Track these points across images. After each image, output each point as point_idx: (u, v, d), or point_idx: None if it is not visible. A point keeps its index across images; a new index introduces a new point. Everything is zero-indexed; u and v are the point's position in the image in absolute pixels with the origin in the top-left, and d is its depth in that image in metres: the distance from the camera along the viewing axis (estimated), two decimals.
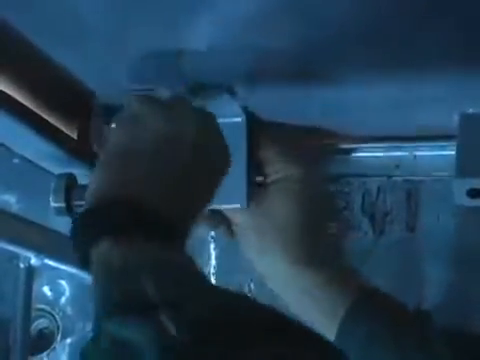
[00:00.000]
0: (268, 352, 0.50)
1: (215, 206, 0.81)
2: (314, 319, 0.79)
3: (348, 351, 0.74)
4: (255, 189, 0.82)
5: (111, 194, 0.63)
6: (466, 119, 0.94)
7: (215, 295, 0.57)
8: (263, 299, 0.57)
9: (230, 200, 0.84)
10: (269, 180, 0.82)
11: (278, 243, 0.80)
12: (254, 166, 0.84)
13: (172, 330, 0.51)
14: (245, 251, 0.83)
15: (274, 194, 0.81)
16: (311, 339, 0.55)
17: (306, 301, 0.79)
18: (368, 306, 0.78)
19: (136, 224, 0.61)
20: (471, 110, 0.94)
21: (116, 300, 0.55)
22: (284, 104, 0.93)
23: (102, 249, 0.59)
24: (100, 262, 0.59)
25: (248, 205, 0.83)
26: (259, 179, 0.83)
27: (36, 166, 0.98)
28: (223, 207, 0.84)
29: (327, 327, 0.77)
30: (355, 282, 0.80)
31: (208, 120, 0.71)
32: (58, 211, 0.81)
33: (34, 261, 1.06)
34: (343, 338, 0.76)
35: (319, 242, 0.82)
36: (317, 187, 0.83)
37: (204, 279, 0.60)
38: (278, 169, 0.81)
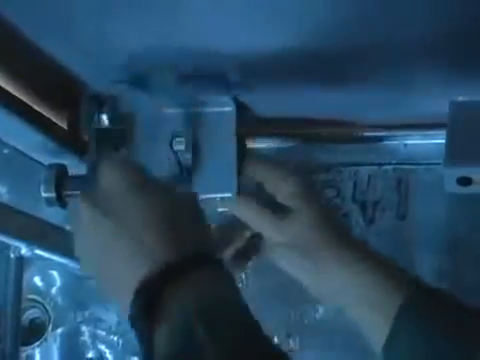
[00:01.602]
0: None
1: (206, 195, 0.81)
2: (369, 321, 0.80)
3: (402, 349, 0.75)
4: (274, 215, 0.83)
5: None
6: (456, 107, 0.94)
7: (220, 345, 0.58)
8: None
9: (220, 189, 0.84)
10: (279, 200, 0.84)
11: (318, 241, 0.81)
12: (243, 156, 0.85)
13: None
14: (297, 275, 0.84)
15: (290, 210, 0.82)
16: None
17: (362, 304, 0.80)
18: (424, 303, 0.78)
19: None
20: (461, 98, 0.94)
21: None
22: (278, 96, 0.93)
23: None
24: None
25: (238, 194, 0.83)
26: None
27: (26, 156, 0.98)
28: (213, 196, 0.84)
29: (381, 327, 0.78)
30: (406, 276, 0.81)
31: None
32: (49, 201, 0.81)
33: (25, 251, 1.06)
34: (397, 335, 0.76)
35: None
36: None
37: (221, 320, 0.61)
38: (278, 190, 0.83)
